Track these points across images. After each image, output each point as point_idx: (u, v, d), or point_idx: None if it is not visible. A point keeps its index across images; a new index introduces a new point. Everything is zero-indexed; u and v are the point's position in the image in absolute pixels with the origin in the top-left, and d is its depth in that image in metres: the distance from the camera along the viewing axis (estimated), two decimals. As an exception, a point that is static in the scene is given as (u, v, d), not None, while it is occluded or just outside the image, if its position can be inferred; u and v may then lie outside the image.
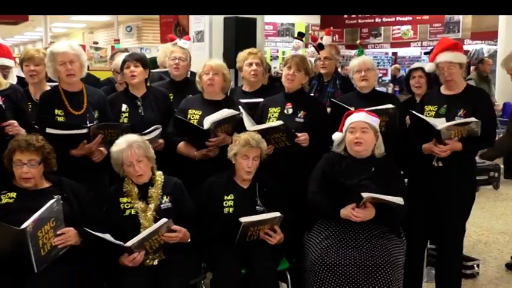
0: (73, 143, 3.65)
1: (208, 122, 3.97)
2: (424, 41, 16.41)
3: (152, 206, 3.52)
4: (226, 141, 4.02)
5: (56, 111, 3.84)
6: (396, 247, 3.63)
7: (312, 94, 5.11)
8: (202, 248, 3.64)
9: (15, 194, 3.33)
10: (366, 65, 4.37)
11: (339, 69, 5.87)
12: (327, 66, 5.43)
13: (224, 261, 3.53)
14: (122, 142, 3.58)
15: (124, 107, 4.20)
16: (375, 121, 3.87)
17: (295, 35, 9.01)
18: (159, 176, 3.64)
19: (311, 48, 7.76)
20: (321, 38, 6.88)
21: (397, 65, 16.69)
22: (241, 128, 3.97)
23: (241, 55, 4.70)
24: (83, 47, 14.56)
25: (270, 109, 4.26)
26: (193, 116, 4.18)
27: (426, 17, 15.47)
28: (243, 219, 3.49)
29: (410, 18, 15.92)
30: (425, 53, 9.92)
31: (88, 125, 3.73)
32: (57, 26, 22.03)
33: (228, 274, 3.48)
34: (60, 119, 3.83)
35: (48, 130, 3.61)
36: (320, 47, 6.14)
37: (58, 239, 3.17)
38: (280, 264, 3.78)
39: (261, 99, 4.41)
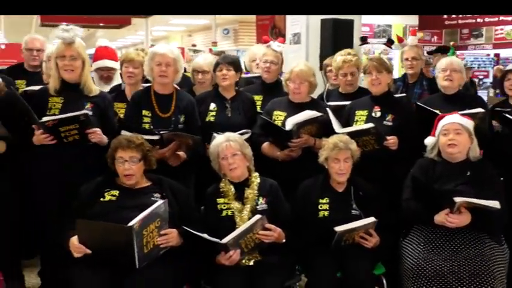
0: None
1: (290, 123, 3.99)
2: (530, 42, 15.70)
3: (248, 206, 3.56)
4: (309, 143, 4.03)
5: (144, 111, 3.95)
6: (497, 255, 3.49)
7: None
8: (298, 250, 3.63)
9: (117, 192, 3.46)
10: (453, 66, 4.27)
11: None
12: (415, 66, 5.31)
13: (319, 265, 3.51)
14: (221, 137, 3.67)
15: (213, 105, 4.27)
16: (469, 123, 3.75)
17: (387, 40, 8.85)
18: (255, 177, 3.68)
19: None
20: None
21: (500, 66, 15.97)
22: (330, 131, 3.94)
23: (336, 63, 4.60)
24: (182, 49, 14.92)
25: (356, 112, 4.21)
26: (277, 118, 4.21)
27: (532, 16, 14.78)
28: (337, 228, 3.46)
29: (515, 18, 15.24)
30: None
31: (160, 132, 3.80)
32: (157, 30, 22.66)
33: (323, 277, 3.46)
34: (147, 119, 3.94)
35: (123, 132, 3.70)
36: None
37: (161, 238, 3.24)
38: (377, 269, 3.71)
39: (348, 102, 4.37)
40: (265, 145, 4.17)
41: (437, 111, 4.01)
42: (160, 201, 3.25)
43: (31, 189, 3.86)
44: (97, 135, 3.68)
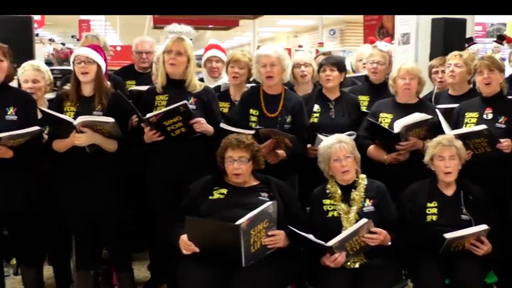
0: None
1: (399, 125, 3.92)
2: None
3: (354, 208, 3.53)
4: (417, 146, 3.96)
5: (252, 110, 4.01)
6: None
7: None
8: (404, 254, 3.57)
9: (226, 190, 3.53)
10: None
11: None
12: None
13: (426, 270, 3.43)
14: (332, 138, 3.66)
15: (316, 107, 4.28)
16: None
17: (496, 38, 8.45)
18: (362, 179, 3.65)
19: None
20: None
21: None
22: (438, 134, 3.84)
23: (448, 57, 4.53)
24: (289, 50, 14.98)
25: (466, 114, 4.07)
26: (384, 120, 4.16)
27: None
28: (447, 235, 3.37)
29: None
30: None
31: (257, 127, 3.84)
32: (264, 31, 22.88)
33: (430, 284, 3.39)
34: (254, 118, 4.00)
35: (221, 125, 3.78)
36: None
37: (269, 239, 3.27)
38: (488, 278, 3.58)
39: (456, 105, 4.23)
40: (371, 148, 4.13)
41: None
42: (269, 202, 3.28)
43: (144, 188, 4.02)
44: (201, 125, 3.76)
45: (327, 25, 19.26)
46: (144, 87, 4.26)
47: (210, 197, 3.50)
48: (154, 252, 4.54)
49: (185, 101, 3.70)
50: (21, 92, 3.94)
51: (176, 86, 3.90)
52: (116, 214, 3.92)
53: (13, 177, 3.68)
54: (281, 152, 3.95)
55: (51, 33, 23.59)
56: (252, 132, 3.81)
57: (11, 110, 3.69)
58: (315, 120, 4.24)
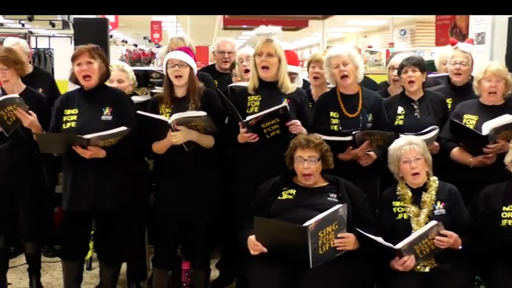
0: (339, 148, 3.75)
1: (488, 127, 3.81)
2: None
3: (425, 211, 3.47)
4: (505, 149, 3.80)
5: (332, 113, 3.98)
6: None
7: None
8: (477, 259, 3.47)
9: (295, 191, 3.54)
10: None
11: None
12: None
13: (501, 277, 3.33)
14: (402, 140, 3.61)
15: (400, 109, 4.22)
16: None
17: None
18: (434, 181, 3.57)
19: None
20: None
21: None
22: None
23: None
24: (359, 50, 14.82)
25: None
26: (468, 121, 4.05)
27: None
28: None
29: None
30: None
31: (353, 132, 3.79)
32: (333, 31, 22.73)
33: (505, 290, 3.29)
34: (335, 121, 3.96)
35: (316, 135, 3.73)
36: None
37: (338, 241, 3.26)
38: None
39: None
40: (456, 150, 4.04)
41: None
42: (339, 205, 3.27)
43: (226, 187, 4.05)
44: (297, 127, 3.76)
45: (398, 25, 18.97)
46: (243, 84, 4.27)
47: (279, 198, 3.52)
48: (227, 252, 4.58)
49: (285, 104, 3.72)
50: (116, 92, 4.02)
51: (268, 87, 3.92)
52: (213, 212, 3.96)
53: (106, 176, 3.78)
54: (373, 154, 3.93)
55: (124, 34, 24.15)
56: (350, 138, 3.79)
57: (107, 111, 3.81)
58: (400, 122, 4.19)
